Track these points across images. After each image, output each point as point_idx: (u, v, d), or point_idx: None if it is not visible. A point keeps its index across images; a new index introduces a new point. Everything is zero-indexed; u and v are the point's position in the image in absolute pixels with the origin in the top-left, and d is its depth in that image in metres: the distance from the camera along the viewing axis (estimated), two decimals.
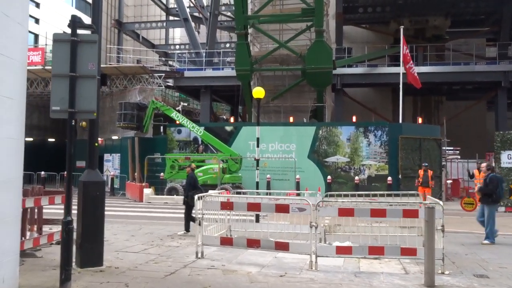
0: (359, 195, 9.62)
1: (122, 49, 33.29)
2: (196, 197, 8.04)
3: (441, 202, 7.27)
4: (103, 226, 7.47)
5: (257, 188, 12.21)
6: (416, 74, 21.54)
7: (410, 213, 7.15)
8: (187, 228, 10.58)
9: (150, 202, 19.38)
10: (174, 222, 12.93)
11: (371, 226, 9.32)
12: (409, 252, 6.99)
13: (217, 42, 33.31)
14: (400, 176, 19.98)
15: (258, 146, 12.59)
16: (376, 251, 7.01)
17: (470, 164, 24.00)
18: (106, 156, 25.89)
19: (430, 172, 17.32)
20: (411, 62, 22.17)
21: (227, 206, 7.75)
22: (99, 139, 26.97)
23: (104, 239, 8.17)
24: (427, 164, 17.81)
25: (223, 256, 8.07)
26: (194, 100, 38.31)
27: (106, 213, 11.80)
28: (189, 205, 10.53)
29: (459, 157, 23.06)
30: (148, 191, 19.89)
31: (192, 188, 10.51)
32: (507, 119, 26.04)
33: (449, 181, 22.41)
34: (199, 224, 7.85)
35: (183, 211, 16.35)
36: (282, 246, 7.24)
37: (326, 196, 9.61)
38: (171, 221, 13.41)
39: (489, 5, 26.22)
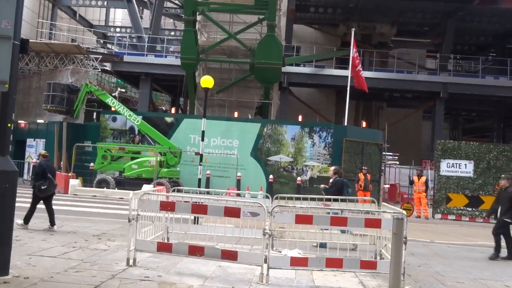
0: (312, 199, 8.94)
1: (56, 26, 30.46)
2: (131, 194, 6.88)
3: (404, 212, 6.73)
4: (12, 225, 6.09)
5: (199, 185, 11.19)
6: (363, 78, 21.55)
7: (373, 223, 6.54)
8: (25, 220, 9.45)
9: (76, 195, 17.58)
10: (103, 219, 11.53)
11: (322, 232, 8.66)
12: (368, 265, 6.38)
13: (161, 29, 31.55)
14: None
15: (203, 140, 11.58)
16: (334, 263, 6.31)
17: (404, 170, 24.63)
18: (29, 141, 23.43)
19: (369, 176, 17.25)
20: (360, 65, 22.15)
21: (167, 206, 6.68)
22: (22, 121, 24.49)
23: (15, 238, 6.81)
24: (366, 168, 17.76)
25: (159, 263, 6.98)
26: (132, 88, 36.24)
27: (23, 205, 10.16)
28: (36, 196, 9.40)
29: (397, 162, 23.50)
30: (74, 182, 18.06)
31: (40, 177, 9.37)
32: (442, 129, 27.06)
33: (386, 186, 22.74)
34: (130, 224, 6.71)
35: (115, 206, 15.07)
36: (229, 255, 6.32)
37: (276, 198, 8.82)
38: (100, 217, 11.99)
39: (435, 17, 27.06)
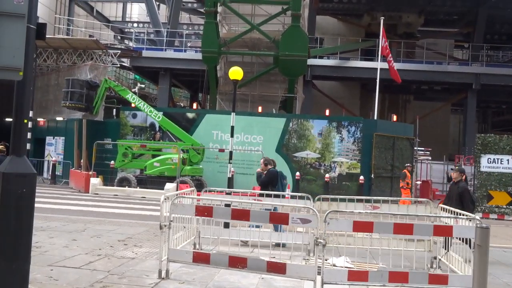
0: (358, 200, 8.06)
1: (73, 22, 30.02)
2: (162, 198, 6.11)
3: (477, 217, 5.81)
4: (31, 235, 5.38)
5: (229, 185, 10.38)
6: (395, 69, 20.46)
7: (443, 231, 5.63)
8: None
9: (97, 194, 17.00)
10: (127, 221, 10.85)
11: (370, 238, 7.77)
12: (438, 280, 5.47)
13: (179, 23, 30.84)
14: (372, 176, 18.85)
15: (232, 136, 10.79)
16: (398, 278, 5.43)
17: (436, 166, 23.47)
18: (49, 139, 23.01)
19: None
20: (390, 55, 21.04)
21: (204, 212, 5.88)
22: (41, 119, 24.11)
23: (35, 245, 6.11)
24: (411, 164, 16.80)
25: (194, 275, 6.21)
26: (151, 85, 35.70)
27: (43, 206, 9.47)
28: None
29: (430, 158, 22.35)
30: (95, 181, 17.48)
31: None
32: (475, 123, 25.78)
33: (418, 182, 21.63)
34: (162, 232, 5.95)
35: (138, 206, 14.41)
36: (276, 268, 5.50)
37: (318, 200, 7.95)
38: (123, 219, 11.31)
39: (465, 5, 25.70)
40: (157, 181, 17.65)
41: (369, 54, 26.47)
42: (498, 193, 16.30)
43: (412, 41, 27.51)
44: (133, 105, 19.65)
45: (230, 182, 10.87)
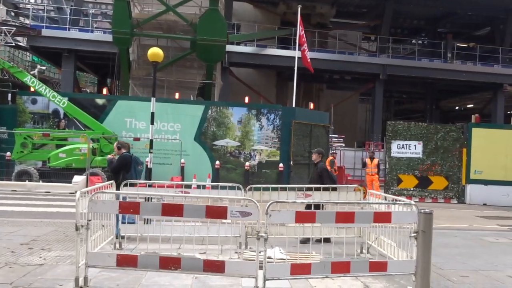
0: (291, 189, 7.81)
1: None
2: (78, 194, 5.24)
3: (413, 202, 5.83)
4: None
5: (149, 177, 9.57)
6: (309, 58, 20.75)
7: (382, 218, 5.55)
8: None
9: None
10: (30, 220, 9.51)
11: (303, 227, 7.58)
12: (378, 267, 5.39)
13: (84, 1, 28.30)
14: (291, 163, 19.03)
15: (152, 123, 9.96)
16: (341, 268, 5.24)
17: (348, 153, 24.52)
18: None
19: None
20: (305, 45, 21.29)
21: (129, 208, 5.15)
22: None
23: None
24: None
25: (118, 280, 5.48)
26: (52, 68, 32.56)
27: None
28: None
29: (343, 145, 23.24)
30: None
31: None
32: (381, 111, 27.38)
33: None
34: (78, 233, 5.12)
35: (41, 202, 12.86)
36: (214, 267, 5.00)
37: (250, 190, 7.55)
38: (26, 218, 9.94)
39: None
40: (64, 174, 16.02)
41: (284, 43, 26.70)
42: (406, 176, 17.41)
43: (325, 31, 28.28)
44: (32, 89, 17.53)
45: (149, 173, 10.10)
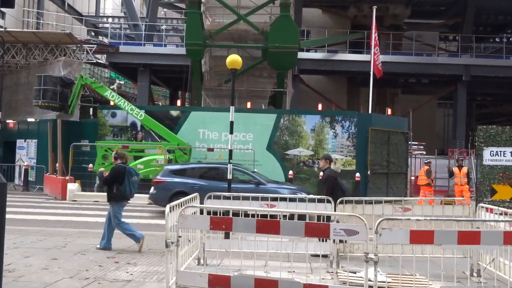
0: (386, 202, 7.04)
1: (43, 16, 28.13)
2: (167, 209, 4.94)
3: None
4: (1, 256, 4.18)
5: (229, 188, 9.24)
6: (379, 62, 19.68)
7: None
8: None
9: (75, 201, 15.59)
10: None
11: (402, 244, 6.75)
12: None
13: (157, 17, 29.36)
14: (368, 172, 18.00)
15: (231, 133, 9.62)
16: None
17: (436, 161, 22.84)
18: (19, 142, 21.26)
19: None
20: (377, 48, 20.25)
21: (221, 224, 4.75)
22: (10, 121, 22.34)
23: (7, 268, 4.96)
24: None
25: None
26: (127, 83, 34.07)
27: (15, 217, 8.28)
28: None
29: (424, 152, 21.70)
30: (73, 187, 16.05)
31: None
32: (465, 115, 25.37)
33: (412, 178, 20.92)
34: (169, 250, 4.79)
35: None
36: None
37: (341, 203, 6.90)
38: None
39: None
40: (141, 185, 16.30)
41: (356, 47, 25.71)
42: (501, 187, 15.67)
43: (399, 32, 26.89)
44: (112, 103, 18.23)
45: (229, 185, 9.77)
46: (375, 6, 19.82)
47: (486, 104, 37.19)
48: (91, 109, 20.89)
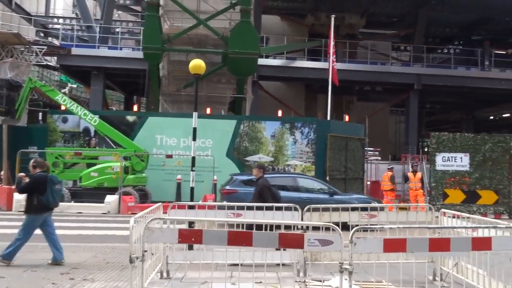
0: (353, 209, 7.01)
1: None
2: (132, 221, 4.61)
3: None
4: None
5: (192, 197, 8.95)
6: (336, 70, 20.07)
7: (482, 244, 4.72)
8: None
9: (22, 211, 14.55)
10: (66, 245, 8.81)
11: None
12: None
13: (112, 19, 28.41)
14: (328, 178, 18.18)
15: (194, 140, 9.34)
16: None
17: (382, 166, 23.47)
18: None
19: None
20: (334, 56, 20.65)
21: (190, 237, 4.48)
22: None
23: None
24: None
25: None
26: (79, 87, 32.71)
27: None
28: None
29: (379, 158, 22.28)
30: (20, 197, 14.95)
31: None
32: (417, 122, 26.32)
33: (368, 183, 21.41)
34: (133, 266, 4.47)
35: (75, 224, 12.38)
36: None
37: (308, 211, 6.81)
38: (61, 242, 9.35)
39: (407, 5, 26.16)
40: (95, 194, 15.58)
41: (313, 55, 26.11)
42: (453, 191, 16.33)
43: (355, 41, 27.59)
44: (63, 107, 17.33)
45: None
46: (333, 16, 20.16)
47: (434, 111, 38.94)
48: (40, 113, 19.80)
